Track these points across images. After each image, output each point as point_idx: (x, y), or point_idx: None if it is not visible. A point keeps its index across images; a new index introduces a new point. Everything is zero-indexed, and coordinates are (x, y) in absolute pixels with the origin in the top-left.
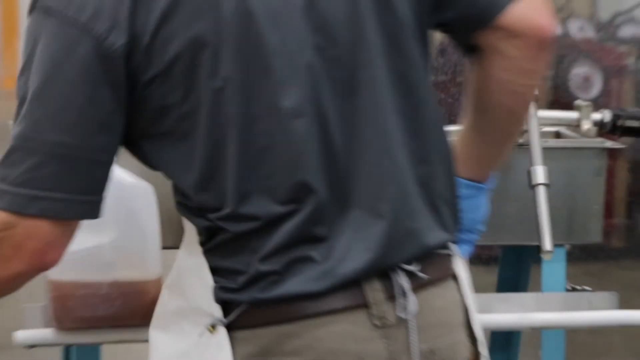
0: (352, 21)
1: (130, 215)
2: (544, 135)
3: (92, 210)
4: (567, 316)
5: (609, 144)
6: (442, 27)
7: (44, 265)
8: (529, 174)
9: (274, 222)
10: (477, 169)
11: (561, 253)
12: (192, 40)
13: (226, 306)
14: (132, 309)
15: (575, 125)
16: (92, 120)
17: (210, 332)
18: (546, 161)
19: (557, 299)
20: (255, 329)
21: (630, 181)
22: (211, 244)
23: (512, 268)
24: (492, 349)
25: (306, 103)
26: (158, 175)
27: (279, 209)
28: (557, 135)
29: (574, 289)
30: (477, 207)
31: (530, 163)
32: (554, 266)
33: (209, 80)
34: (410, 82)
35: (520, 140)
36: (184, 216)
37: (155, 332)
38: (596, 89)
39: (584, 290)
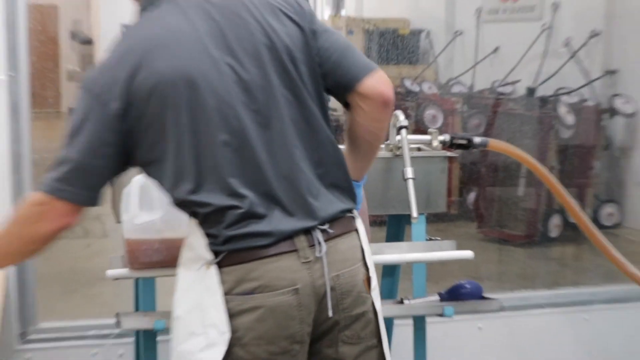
0: (265, 85)
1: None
2: (411, 149)
3: (91, 201)
4: (427, 255)
5: (449, 154)
6: (327, 90)
7: (59, 230)
8: (402, 172)
9: (224, 208)
10: (355, 174)
11: (422, 218)
12: (162, 105)
13: (215, 254)
14: (171, 256)
15: (429, 143)
16: (98, 150)
17: (207, 268)
18: (413, 164)
19: (421, 246)
20: (232, 266)
21: (461, 175)
22: (198, 220)
23: (395, 227)
24: (383, 276)
25: (234, 137)
26: None
27: (226, 201)
28: (419, 149)
29: (430, 239)
30: (358, 193)
31: (404, 166)
32: (418, 226)
33: (174, 128)
34: (307, 117)
35: (397, 153)
36: (176, 208)
37: (179, 269)
38: (440, 122)
39: (436, 239)
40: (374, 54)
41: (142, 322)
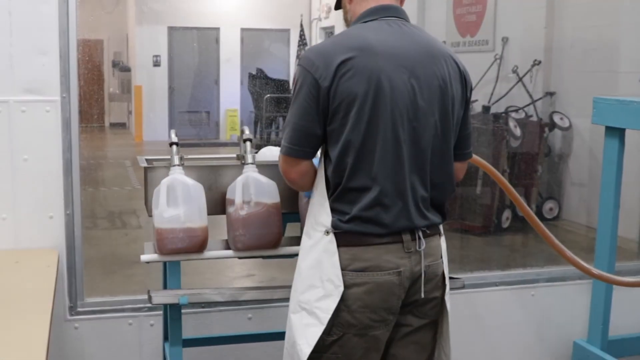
0: (428, 113)
1: (191, 198)
2: None
3: (309, 155)
4: None
5: None
6: None
7: (294, 177)
8: None
9: (363, 189)
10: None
11: None
12: (350, 95)
13: (336, 228)
14: (192, 244)
15: None
16: (310, 114)
17: (326, 235)
18: None
19: None
20: (349, 247)
21: None
22: (335, 194)
23: None
24: None
25: (393, 138)
26: (206, 177)
27: (367, 183)
28: None
29: None
30: None
31: None
32: None
33: (355, 115)
34: (444, 151)
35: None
36: (327, 177)
37: (303, 236)
38: None
39: None
40: None
41: (169, 297)
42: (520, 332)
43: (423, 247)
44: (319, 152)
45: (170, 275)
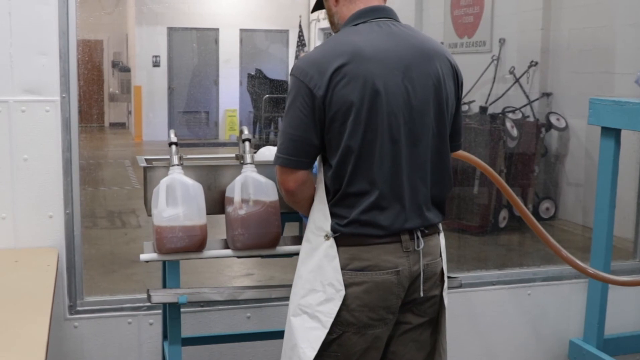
0: (424, 113)
1: (190, 197)
2: None
3: (306, 165)
4: None
5: None
6: None
7: (292, 187)
8: None
9: (362, 194)
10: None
11: None
12: (346, 103)
13: (335, 232)
14: (192, 243)
15: None
16: (306, 124)
17: (326, 239)
18: None
19: None
20: (348, 247)
21: None
22: (334, 199)
23: None
24: None
25: (391, 142)
26: (205, 177)
27: (366, 187)
28: None
29: None
30: None
31: None
32: None
33: (352, 122)
34: (442, 150)
35: None
36: (326, 183)
37: (304, 241)
38: None
39: None
40: None
41: (169, 297)
42: (516, 331)
43: (421, 246)
44: (316, 162)
45: (169, 274)
